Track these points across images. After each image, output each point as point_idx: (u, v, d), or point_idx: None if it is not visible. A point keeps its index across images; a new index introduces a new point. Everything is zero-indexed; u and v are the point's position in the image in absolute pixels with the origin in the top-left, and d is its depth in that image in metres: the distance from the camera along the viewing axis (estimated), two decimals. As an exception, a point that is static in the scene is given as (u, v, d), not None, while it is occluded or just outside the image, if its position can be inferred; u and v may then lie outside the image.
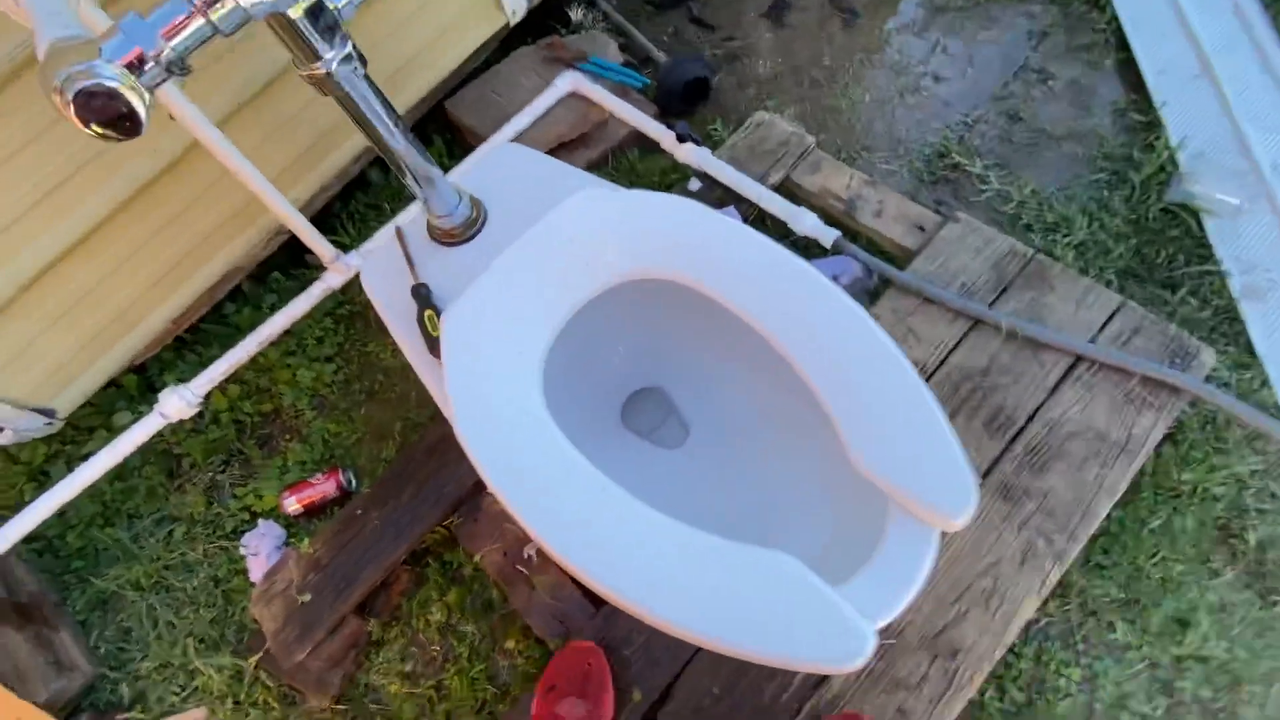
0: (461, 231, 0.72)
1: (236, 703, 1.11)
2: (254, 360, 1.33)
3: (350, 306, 1.41)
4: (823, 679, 0.90)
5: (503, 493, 0.57)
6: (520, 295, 0.64)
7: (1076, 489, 0.94)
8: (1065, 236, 1.25)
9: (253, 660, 1.12)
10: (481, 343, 0.62)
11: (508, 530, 1.10)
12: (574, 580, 1.04)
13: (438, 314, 0.68)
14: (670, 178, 1.43)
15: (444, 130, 1.51)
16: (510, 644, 1.08)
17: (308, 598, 1.07)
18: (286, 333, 1.40)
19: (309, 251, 1.37)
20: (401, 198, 1.49)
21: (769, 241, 0.62)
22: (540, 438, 0.61)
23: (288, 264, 1.48)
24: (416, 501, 1.11)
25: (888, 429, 0.54)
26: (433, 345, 0.67)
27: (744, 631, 0.48)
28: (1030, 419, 0.99)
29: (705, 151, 1.26)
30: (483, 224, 0.73)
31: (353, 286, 1.41)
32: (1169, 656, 0.95)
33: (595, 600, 1.02)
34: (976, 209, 1.30)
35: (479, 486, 1.12)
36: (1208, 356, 0.99)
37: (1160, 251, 1.21)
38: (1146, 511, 1.03)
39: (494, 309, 0.64)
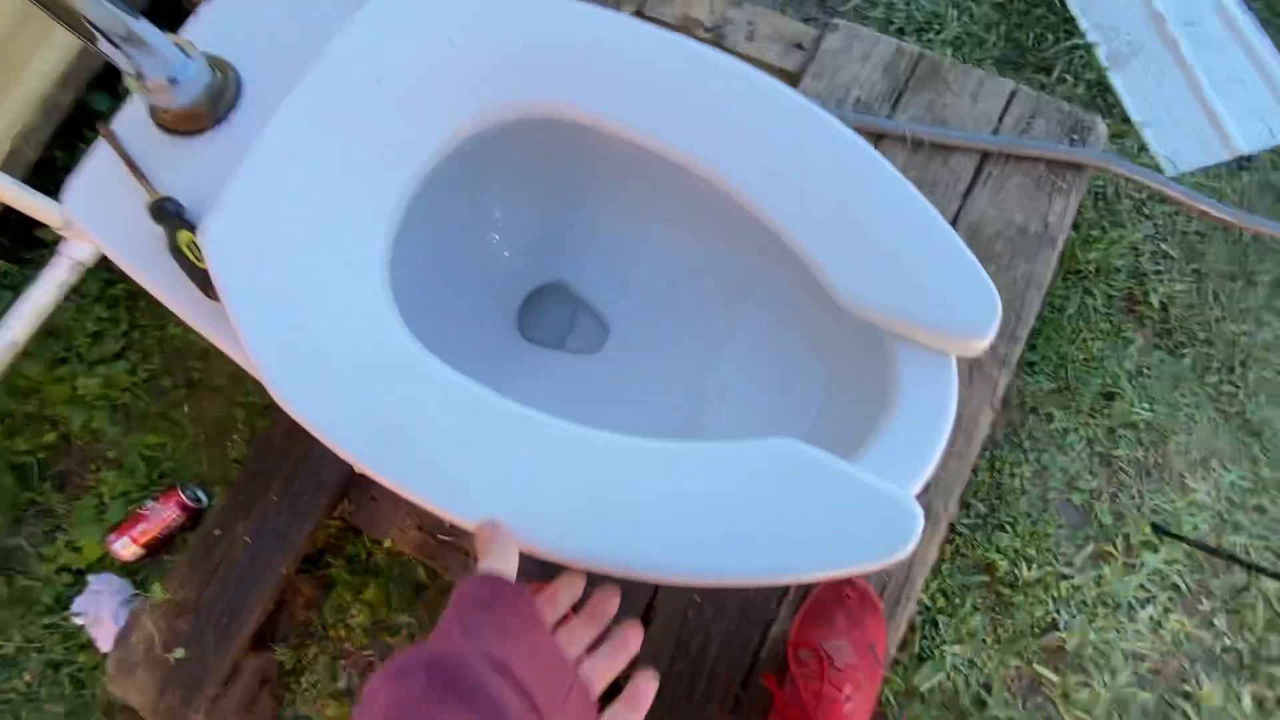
0: (207, 109, 0.48)
1: (133, 795, 0.90)
2: (8, 383, 0.99)
3: (125, 283, 1.08)
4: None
5: (382, 470, 0.40)
6: (321, 177, 0.42)
7: (1008, 290, 0.90)
8: (939, 34, 1.16)
9: (135, 743, 0.89)
10: (278, 259, 0.41)
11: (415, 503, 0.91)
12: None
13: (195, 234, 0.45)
14: None
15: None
16: (456, 620, 0.93)
17: (181, 653, 0.84)
18: (47, 336, 1.06)
19: (39, 224, 1.01)
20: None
21: (665, 34, 0.45)
22: (412, 375, 0.43)
23: (16, 248, 1.10)
24: (291, 498, 0.89)
25: (878, 247, 0.42)
26: (202, 281, 0.45)
27: (770, 555, 0.36)
28: (951, 228, 0.92)
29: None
30: (238, 93, 0.49)
31: (119, 256, 1.07)
32: (1102, 430, 0.97)
33: (541, 546, 0.89)
34: (845, 18, 1.18)
35: (365, 459, 0.91)
36: (1102, 128, 0.96)
37: (1029, 34, 1.16)
38: (1061, 299, 1.03)
39: (283, 206, 0.42)
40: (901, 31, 1.17)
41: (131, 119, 0.49)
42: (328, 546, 0.95)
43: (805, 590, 0.84)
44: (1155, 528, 0.92)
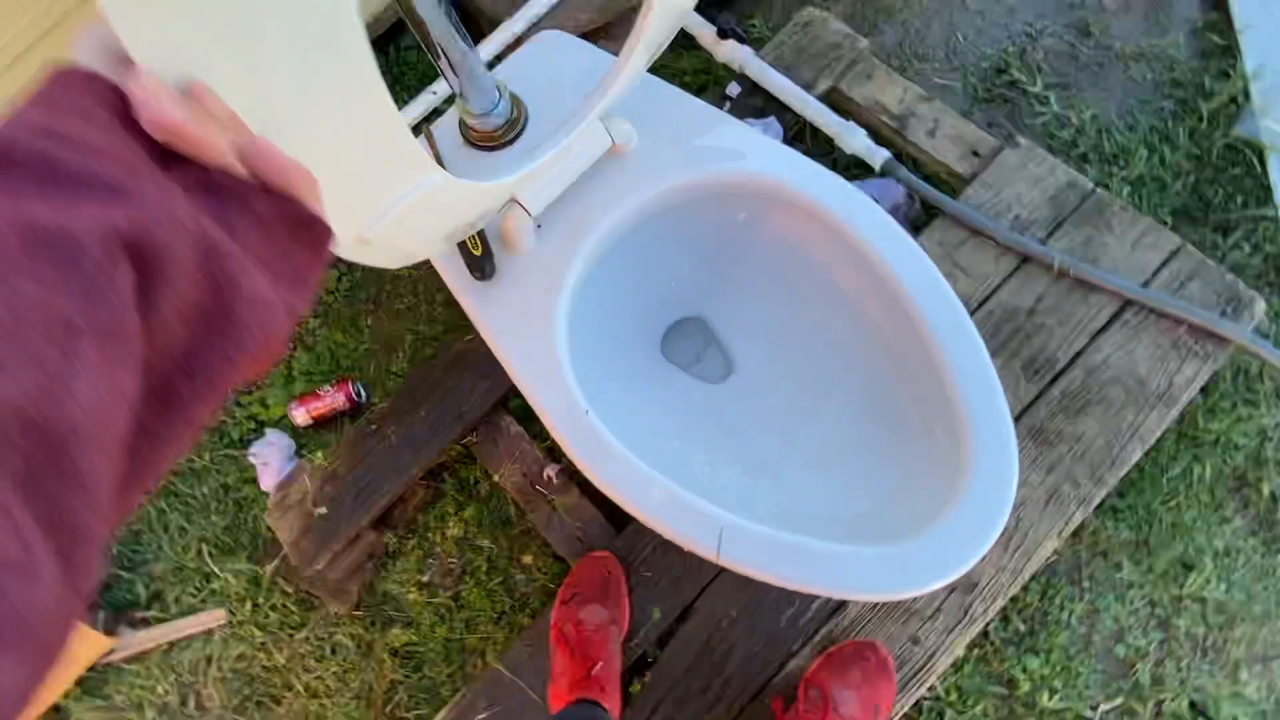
0: (502, 135, 0.64)
1: (255, 605, 1.13)
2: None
3: (353, 208, 1.32)
4: (840, 605, 0.93)
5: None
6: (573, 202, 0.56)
7: (1109, 435, 0.93)
8: (1122, 170, 1.18)
9: (269, 567, 1.12)
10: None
11: (527, 451, 1.08)
12: (594, 502, 1.04)
13: (479, 230, 0.61)
14: (704, 79, 1.31)
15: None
16: (528, 559, 1.09)
17: (324, 510, 1.05)
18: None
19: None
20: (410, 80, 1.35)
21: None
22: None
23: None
24: (434, 418, 1.08)
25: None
26: (470, 263, 0.60)
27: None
28: (1071, 362, 0.96)
29: (748, 51, 1.14)
30: (524, 127, 0.64)
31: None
32: (1169, 596, 0.98)
33: (616, 522, 1.03)
34: (1031, 133, 1.22)
35: (499, 406, 1.08)
36: (1260, 307, 0.96)
37: (1219, 191, 1.15)
38: (1168, 458, 1.03)
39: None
40: (1085, 159, 1.20)
41: (446, 127, 0.67)
42: (448, 464, 1.14)
43: (830, 638, 0.92)
44: (1194, 705, 0.93)
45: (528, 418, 1.10)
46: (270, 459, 1.17)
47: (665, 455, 0.67)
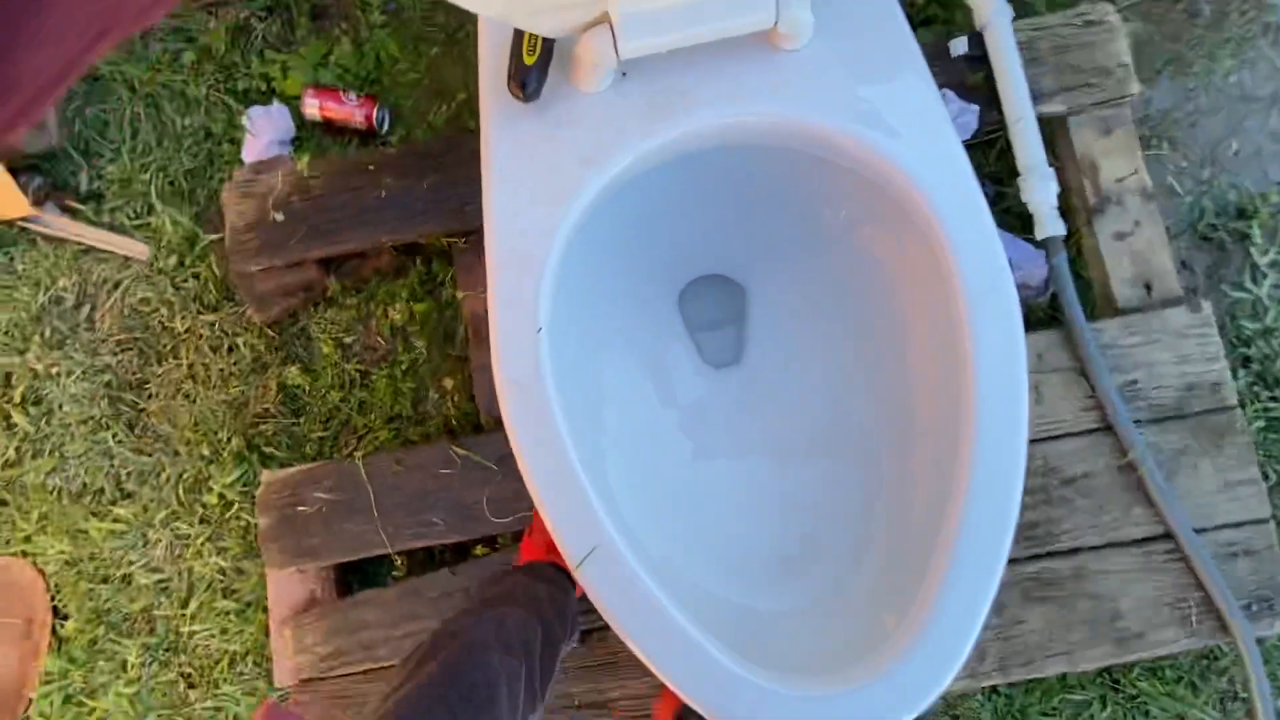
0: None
1: (181, 263, 1.06)
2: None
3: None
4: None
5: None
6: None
7: (1046, 639, 0.84)
8: (1273, 400, 0.99)
9: (208, 238, 1.04)
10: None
11: (505, 288, 0.96)
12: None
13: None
14: (935, 11, 1.04)
15: None
16: (449, 383, 1.02)
17: (280, 217, 0.95)
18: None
19: None
20: None
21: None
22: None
23: None
24: (435, 198, 0.95)
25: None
26: (517, 70, 0.44)
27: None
28: (1069, 554, 0.85)
29: (1006, 14, 0.89)
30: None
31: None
32: (983, 784, 0.95)
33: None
34: (1218, 300, 1.00)
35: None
36: (1285, 625, 0.84)
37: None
38: (1078, 682, 0.96)
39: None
40: (1247, 362, 1.00)
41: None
42: (425, 249, 1.02)
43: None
44: None
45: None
46: (263, 132, 1.04)
47: (602, 403, 0.57)
